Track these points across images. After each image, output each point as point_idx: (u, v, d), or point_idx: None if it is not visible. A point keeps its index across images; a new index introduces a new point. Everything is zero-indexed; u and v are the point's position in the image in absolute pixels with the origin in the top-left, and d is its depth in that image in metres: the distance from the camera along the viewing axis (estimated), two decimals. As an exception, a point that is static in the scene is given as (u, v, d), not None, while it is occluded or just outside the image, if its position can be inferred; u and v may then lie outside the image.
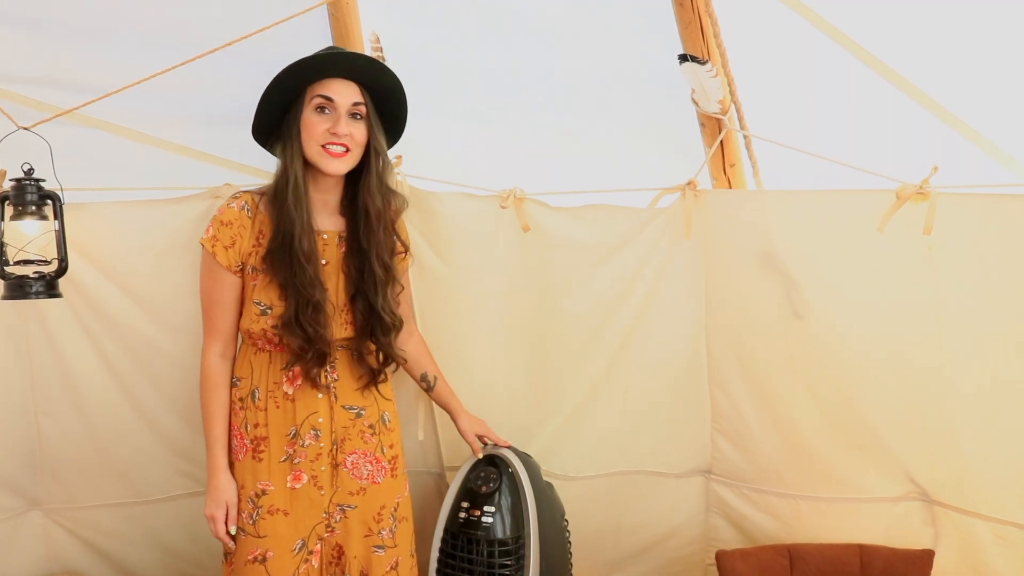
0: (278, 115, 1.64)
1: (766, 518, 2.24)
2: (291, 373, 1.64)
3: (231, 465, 1.68)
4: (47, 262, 1.74)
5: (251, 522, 1.64)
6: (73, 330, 1.95)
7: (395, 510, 1.74)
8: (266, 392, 1.65)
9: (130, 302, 1.97)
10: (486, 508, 2.00)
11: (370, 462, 1.70)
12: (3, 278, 1.71)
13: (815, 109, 2.04)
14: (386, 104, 1.67)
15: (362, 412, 1.70)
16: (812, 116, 2.04)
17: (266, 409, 1.65)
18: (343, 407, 1.68)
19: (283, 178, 1.62)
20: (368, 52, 2.02)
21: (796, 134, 1.95)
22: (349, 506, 1.69)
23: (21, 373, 1.96)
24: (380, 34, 1.96)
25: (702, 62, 1.93)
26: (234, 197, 1.67)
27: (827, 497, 2.13)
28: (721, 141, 2.09)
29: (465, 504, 2.04)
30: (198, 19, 1.91)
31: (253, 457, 1.65)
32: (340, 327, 1.67)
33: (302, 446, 1.65)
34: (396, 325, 1.71)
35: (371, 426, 1.72)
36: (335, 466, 1.67)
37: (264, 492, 1.64)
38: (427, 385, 1.95)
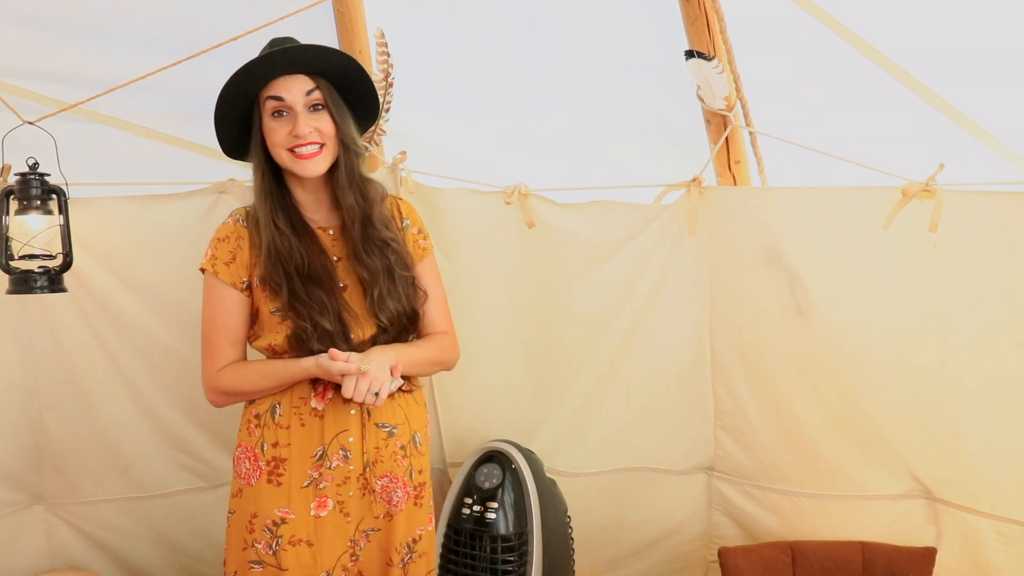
0: (239, 129, 1.55)
1: (768, 515, 2.24)
2: (321, 387, 1.51)
3: (240, 492, 1.55)
4: (52, 257, 1.74)
5: (270, 552, 1.50)
6: (77, 325, 1.95)
7: (414, 543, 1.60)
8: (290, 408, 1.52)
9: (134, 297, 1.97)
10: (489, 504, 2.01)
11: (400, 487, 1.57)
12: (8, 273, 1.71)
13: (821, 106, 2.04)
14: (348, 85, 1.56)
15: (394, 431, 1.57)
16: (818, 113, 2.04)
17: (289, 427, 1.51)
18: (376, 424, 1.54)
19: (258, 193, 1.56)
20: (372, 48, 2.01)
21: (802, 131, 1.94)
22: (373, 530, 1.56)
23: (25, 368, 1.96)
24: (385, 29, 1.96)
25: (708, 58, 1.93)
26: (230, 214, 1.61)
27: (829, 494, 2.13)
28: (726, 138, 2.09)
29: (468, 500, 2.05)
30: (204, 14, 1.91)
31: (269, 481, 1.51)
32: (367, 325, 1.55)
33: (329, 468, 1.50)
34: (401, 311, 1.56)
35: (403, 447, 1.58)
36: (366, 491, 1.53)
37: (284, 520, 1.50)
38: None
